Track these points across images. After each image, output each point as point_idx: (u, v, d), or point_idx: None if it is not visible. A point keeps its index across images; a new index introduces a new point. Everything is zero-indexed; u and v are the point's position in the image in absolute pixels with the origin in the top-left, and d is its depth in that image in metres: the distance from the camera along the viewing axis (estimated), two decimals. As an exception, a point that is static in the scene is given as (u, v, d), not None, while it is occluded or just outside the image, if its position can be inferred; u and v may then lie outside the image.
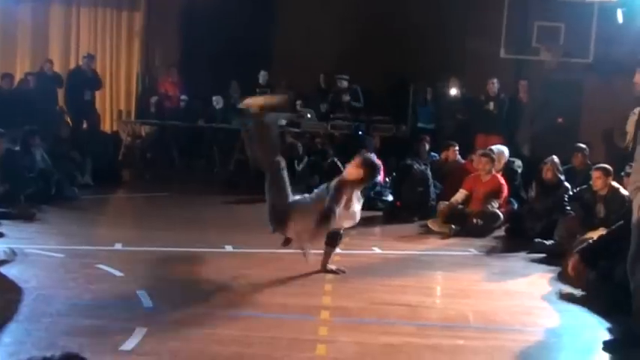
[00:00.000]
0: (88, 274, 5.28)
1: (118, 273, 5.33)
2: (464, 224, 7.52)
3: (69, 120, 11.80)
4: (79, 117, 11.63)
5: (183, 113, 12.13)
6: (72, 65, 12.78)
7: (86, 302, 4.64)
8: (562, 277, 5.75)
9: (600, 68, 10.80)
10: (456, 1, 12.07)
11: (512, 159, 8.88)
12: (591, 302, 5.06)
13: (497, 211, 7.70)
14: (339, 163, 10.05)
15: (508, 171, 8.52)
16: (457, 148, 9.26)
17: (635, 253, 4.15)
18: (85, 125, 11.71)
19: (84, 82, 11.58)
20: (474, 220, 7.55)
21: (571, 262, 5.15)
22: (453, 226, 7.46)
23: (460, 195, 7.88)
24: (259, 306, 4.76)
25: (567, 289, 5.46)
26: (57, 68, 12.71)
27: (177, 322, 4.38)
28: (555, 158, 7.54)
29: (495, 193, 7.79)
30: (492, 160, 7.99)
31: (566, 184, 7.38)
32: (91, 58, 11.85)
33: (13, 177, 7.91)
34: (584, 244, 5.40)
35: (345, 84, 11.66)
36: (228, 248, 6.37)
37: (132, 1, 13.08)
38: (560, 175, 7.44)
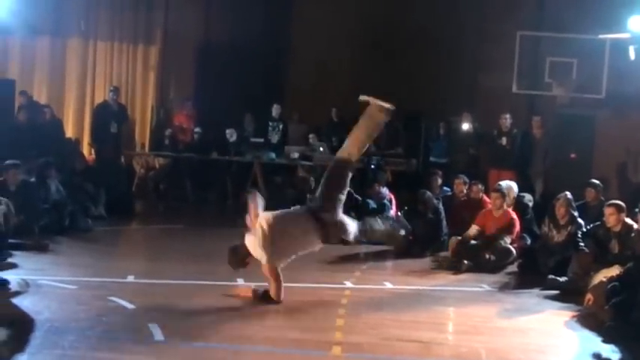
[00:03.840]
0: (100, 306, 5.30)
1: (129, 305, 5.34)
2: (476, 260, 7.48)
3: (84, 152, 11.94)
4: (104, 149, 11.76)
5: (197, 145, 12.22)
6: (87, 98, 12.96)
7: (98, 334, 4.65)
8: (578, 317, 5.70)
9: (612, 104, 10.82)
10: (469, 36, 12.17)
11: (522, 194, 8.85)
12: (606, 340, 5.01)
13: (510, 246, 7.66)
14: (355, 195, 10.10)
15: (519, 205, 8.49)
16: (463, 181, 9.24)
17: None
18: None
19: (110, 114, 11.74)
20: (487, 256, 7.51)
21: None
22: (466, 262, 7.42)
23: (472, 230, 7.86)
24: (271, 340, 4.74)
25: (582, 328, 5.41)
26: (72, 100, 12.95)
27: (188, 356, 4.37)
28: (568, 194, 7.51)
29: (508, 228, 7.77)
30: (503, 196, 7.97)
31: (580, 220, 7.34)
32: (116, 91, 12.03)
33: (27, 208, 7.96)
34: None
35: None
36: (240, 281, 6.37)
37: (148, 35, 13.28)
38: (573, 212, 7.40)
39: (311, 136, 11.91)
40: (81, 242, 8.06)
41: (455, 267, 7.44)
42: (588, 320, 5.54)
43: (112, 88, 12.16)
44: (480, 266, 7.41)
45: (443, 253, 7.97)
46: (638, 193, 6.25)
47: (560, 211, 7.37)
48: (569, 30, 11.11)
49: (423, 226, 8.41)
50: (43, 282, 5.89)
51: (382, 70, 12.39)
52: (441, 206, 8.71)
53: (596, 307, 5.51)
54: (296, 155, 11.54)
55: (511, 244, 7.71)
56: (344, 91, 12.61)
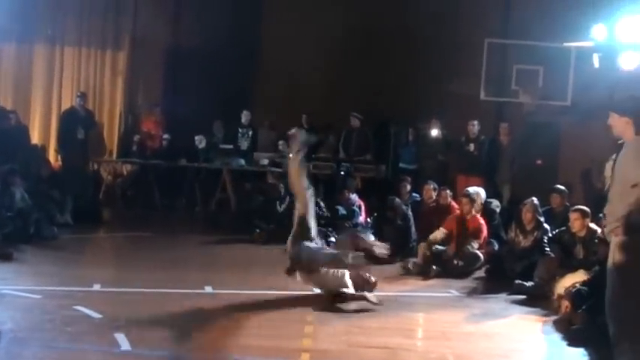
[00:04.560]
0: (65, 315, 5.22)
1: (95, 315, 5.27)
2: (444, 265, 7.54)
3: (50, 158, 11.77)
4: (70, 156, 11.59)
5: (166, 152, 12.13)
6: (54, 104, 12.79)
7: (63, 345, 4.58)
8: (544, 321, 5.77)
9: (577, 111, 10.98)
10: (437, 44, 12.27)
11: (489, 199, 8.95)
12: (572, 343, 5.08)
13: (478, 252, 7.74)
14: (321, 204, 10.12)
15: (486, 211, 8.58)
16: (432, 187, 9.31)
17: (611, 297, 4.19)
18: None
19: (77, 120, 11.58)
20: (455, 262, 7.57)
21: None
22: (434, 267, 7.47)
23: (439, 233, 7.92)
24: (239, 348, 4.72)
25: (548, 332, 5.48)
26: (39, 106, 12.77)
27: (154, 365, 4.33)
28: (535, 200, 7.62)
29: (475, 233, 7.84)
30: (472, 201, 8.06)
31: (546, 225, 7.45)
32: (83, 96, 11.87)
33: (-9, 216, 7.84)
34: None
35: (357, 122, 11.74)
36: (208, 289, 6.33)
37: (116, 41, 13.16)
38: (539, 217, 7.50)
39: (280, 142, 11.88)
40: (46, 250, 7.95)
41: (424, 272, 7.48)
42: (554, 324, 5.61)
43: (79, 94, 12.02)
44: (448, 272, 7.47)
45: (412, 259, 8.01)
46: (602, 199, 6.33)
47: (526, 216, 7.46)
48: (535, 38, 11.27)
49: (392, 232, 8.46)
50: (6, 291, 5.80)
51: (352, 77, 12.43)
52: (409, 212, 8.77)
53: (568, 313, 5.58)
54: (265, 162, 11.52)
55: (479, 249, 7.79)
56: (314, 97, 12.65)
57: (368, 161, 11.57)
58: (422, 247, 7.89)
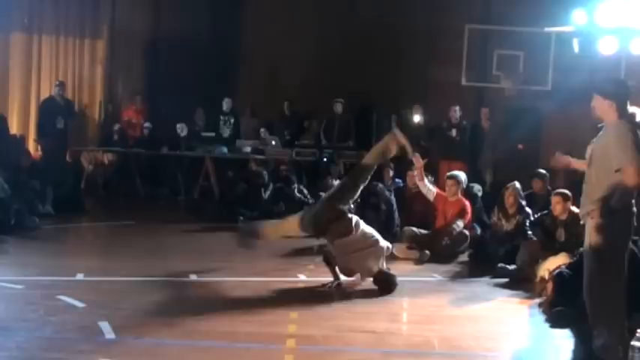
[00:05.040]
0: (49, 305, 5.18)
1: (79, 304, 5.24)
2: (432, 247, 7.57)
3: (30, 148, 11.65)
4: (50, 146, 11.47)
5: (147, 141, 12.05)
6: (33, 93, 12.64)
7: (47, 335, 4.55)
8: (527, 303, 5.83)
9: (558, 95, 11.06)
10: (418, 30, 12.28)
11: (471, 184, 8.99)
12: (555, 325, 5.14)
13: (465, 231, 7.78)
14: (304, 191, 10.11)
15: (468, 195, 8.61)
16: (416, 173, 9.32)
17: (588, 279, 4.23)
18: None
19: (56, 110, 11.45)
20: (443, 242, 7.61)
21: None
22: (427, 252, 7.48)
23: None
24: (225, 335, 4.71)
25: (531, 314, 5.53)
26: (17, 95, 12.61)
27: (140, 353, 4.32)
28: (517, 184, 7.66)
29: (461, 213, 7.88)
30: (459, 182, 8.09)
31: (528, 209, 7.50)
32: (62, 85, 11.72)
33: (-29, 207, 7.75)
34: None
35: (340, 108, 11.73)
36: (193, 277, 6.31)
37: (95, 29, 13.02)
38: (521, 201, 7.55)
39: (262, 130, 11.87)
40: (28, 241, 7.87)
41: (416, 257, 7.50)
42: (538, 306, 5.67)
43: (57, 83, 11.87)
44: (437, 253, 7.51)
45: (396, 244, 8.03)
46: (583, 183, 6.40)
47: (509, 200, 7.51)
48: (515, 23, 11.32)
49: (375, 218, 8.46)
50: (-12, 282, 5.74)
51: (334, 64, 12.41)
52: (393, 198, 8.79)
53: (551, 295, 5.63)
54: (248, 149, 11.49)
55: (464, 229, 7.83)
56: (296, 84, 12.63)
57: (350, 147, 11.58)
58: (407, 232, 7.90)
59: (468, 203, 8.03)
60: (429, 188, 8.02)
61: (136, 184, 11.90)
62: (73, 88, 12.81)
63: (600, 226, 4.15)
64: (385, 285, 6.02)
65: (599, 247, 4.16)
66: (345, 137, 11.71)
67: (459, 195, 8.03)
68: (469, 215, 7.96)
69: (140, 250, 7.57)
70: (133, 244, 7.98)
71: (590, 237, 4.20)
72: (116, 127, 12.31)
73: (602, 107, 4.26)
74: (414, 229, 7.95)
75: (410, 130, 11.62)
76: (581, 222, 4.40)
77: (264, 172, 10.14)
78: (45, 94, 12.28)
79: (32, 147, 12.11)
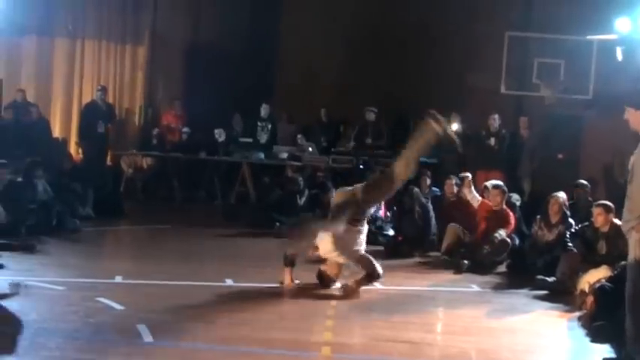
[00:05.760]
0: (88, 307, 5.26)
1: (118, 306, 5.30)
2: (472, 256, 7.50)
3: (71, 151, 11.87)
4: (91, 149, 11.69)
5: (186, 145, 12.18)
6: (75, 97, 12.88)
7: (86, 336, 4.62)
8: (566, 316, 5.73)
9: (599, 105, 10.87)
10: (457, 37, 12.20)
11: (510, 194, 8.87)
12: (594, 339, 5.04)
13: (506, 238, 7.67)
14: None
15: (507, 205, 8.51)
16: (454, 181, 9.25)
17: (632, 294, 4.14)
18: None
19: (98, 114, 11.68)
20: (483, 249, 7.53)
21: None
22: (465, 261, 7.42)
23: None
24: (260, 342, 4.73)
25: (571, 327, 5.44)
26: (59, 99, 12.85)
27: (177, 357, 4.35)
28: (563, 193, 7.57)
29: (504, 223, 7.78)
30: (504, 193, 8.00)
31: (570, 220, 7.38)
32: (103, 90, 11.96)
33: (14, 208, 7.91)
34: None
35: (372, 116, 11.72)
36: (229, 282, 6.35)
37: (136, 35, 13.21)
38: (566, 210, 7.45)
39: (299, 136, 11.90)
40: (68, 243, 8.01)
41: (455, 266, 7.42)
42: (577, 320, 5.57)
43: (99, 88, 12.11)
44: (476, 260, 7.43)
45: (432, 253, 7.97)
46: (626, 195, 6.25)
47: (553, 208, 7.40)
48: (556, 31, 11.16)
49: (411, 224, 8.42)
50: (30, 283, 5.83)
51: (371, 71, 12.40)
52: (429, 205, 8.72)
53: (592, 308, 5.53)
54: (285, 155, 11.53)
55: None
56: (333, 91, 12.64)
57: (386, 155, 11.53)
58: (450, 229, 7.82)
59: (511, 213, 7.94)
60: (474, 195, 7.96)
61: (173, 188, 12.03)
62: (114, 93, 13.01)
63: None
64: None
65: None
66: (377, 144, 11.65)
67: (503, 205, 7.95)
68: (512, 226, 7.86)
69: (177, 254, 7.64)
70: (170, 248, 8.06)
71: (635, 251, 4.12)
72: (155, 131, 12.47)
73: (637, 119, 4.24)
74: (459, 227, 7.88)
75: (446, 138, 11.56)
76: (627, 237, 4.32)
77: (300, 179, 10.16)
78: (87, 99, 12.52)
79: (74, 150, 12.34)
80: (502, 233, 7.66)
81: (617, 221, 6.66)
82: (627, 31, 9.64)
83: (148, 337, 4.62)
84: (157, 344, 4.54)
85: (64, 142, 12.26)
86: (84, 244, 8.05)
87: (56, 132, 12.48)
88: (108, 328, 4.82)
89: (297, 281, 6.22)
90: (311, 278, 6.68)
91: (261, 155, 11.71)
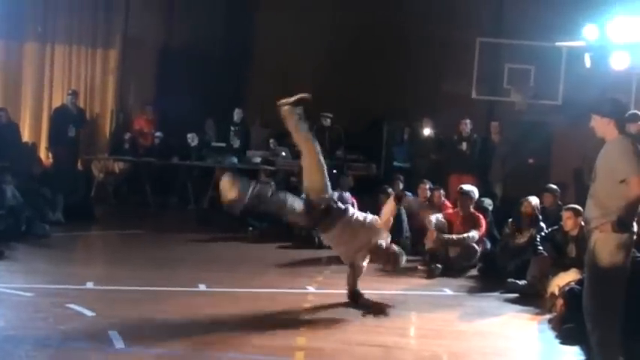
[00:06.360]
0: (58, 313, 5.19)
1: (89, 313, 5.24)
2: (444, 259, 7.58)
3: (41, 156, 11.72)
4: (61, 154, 11.55)
5: (158, 150, 12.10)
6: (45, 101, 12.73)
7: (56, 343, 4.55)
8: (537, 319, 5.79)
9: (569, 110, 11.02)
10: (429, 43, 12.30)
11: (482, 198, 8.97)
12: (564, 341, 5.11)
13: (475, 245, 7.77)
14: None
15: (479, 210, 8.60)
16: (428, 186, 9.31)
17: (587, 289, 4.25)
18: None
19: (68, 118, 11.55)
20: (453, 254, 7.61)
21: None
22: (439, 265, 7.48)
23: (439, 219, 7.95)
24: (233, 347, 4.71)
25: (541, 330, 5.50)
26: (29, 104, 12.69)
27: (149, 363, 4.32)
28: (535, 198, 7.66)
29: (475, 225, 7.87)
30: (472, 198, 8.11)
31: (542, 223, 7.47)
32: (74, 94, 11.84)
33: (-18, 214, 7.79)
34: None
35: (328, 122, 11.72)
36: (202, 287, 6.31)
37: (107, 38, 13.10)
38: (538, 214, 7.54)
39: (271, 141, 11.89)
40: (38, 248, 7.90)
41: (428, 271, 7.48)
42: (547, 323, 5.63)
43: (70, 92, 11.99)
44: (447, 265, 7.51)
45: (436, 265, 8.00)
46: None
47: (527, 210, 7.49)
48: (527, 37, 11.31)
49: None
50: (-2, 289, 5.76)
51: (345, 76, 12.44)
52: (402, 209, 8.76)
53: (562, 311, 5.60)
54: (258, 160, 11.51)
55: (477, 242, 7.82)
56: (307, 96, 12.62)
57: (359, 160, 11.58)
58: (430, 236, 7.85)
59: (481, 216, 8.04)
60: (437, 218, 7.97)
61: (146, 193, 11.93)
62: (85, 97, 12.88)
63: (610, 240, 4.17)
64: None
65: (607, 261, 4.17)
66: (335, 148, 11.63)
67: (471, 209, 8.03)
68: (483, 228, 7.95)
69: (149, 260, 7.58)
70: (142, 254, 7.99)
71: (600, 250, 4.21)
72: (127, 136, 12.37)
73: (602, 126, 4.39)
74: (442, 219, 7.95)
75: (420, 143, 11.65)
76: (587, 236, 4.41)
77: (272, 183, 10.13)
78: (57, 103, 12.38)
79: (44, 155, 12.18)
80: (474, 235, 7.74)
81: (586, 224, 6.78)
82: (595, 39, 9.79)
83: (119, 344, 4.57)
84: (129, 350, 4.49)
85: (34, 147, 12.10)
86: (54, 250, 7.94)
87: (26, 136, 12.33)
88: (78, 334, 4.76)
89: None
90: (284, 282, 6.69)
91: (235, 160, 11.68)
